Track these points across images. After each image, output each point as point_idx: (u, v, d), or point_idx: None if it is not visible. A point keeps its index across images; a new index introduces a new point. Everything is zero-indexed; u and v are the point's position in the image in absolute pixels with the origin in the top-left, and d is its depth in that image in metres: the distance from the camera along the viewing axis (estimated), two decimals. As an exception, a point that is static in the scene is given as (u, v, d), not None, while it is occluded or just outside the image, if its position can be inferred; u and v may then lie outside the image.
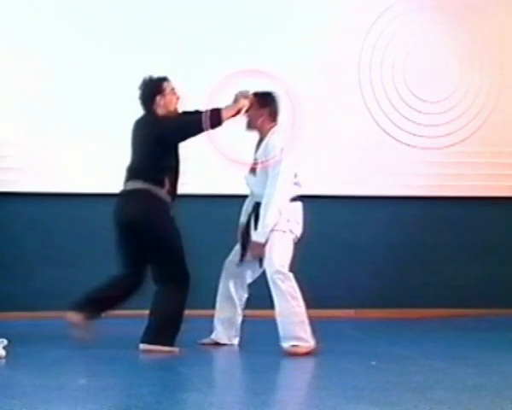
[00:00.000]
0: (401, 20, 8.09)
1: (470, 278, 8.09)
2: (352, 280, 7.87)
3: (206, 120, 5.84)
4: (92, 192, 7.56)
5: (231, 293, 6.16)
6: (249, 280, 6.20)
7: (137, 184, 5.93)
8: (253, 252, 5.94)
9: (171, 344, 5.83)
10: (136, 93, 7.58)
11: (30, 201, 7.52)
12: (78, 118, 7.57)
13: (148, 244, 5.93)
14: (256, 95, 6.04)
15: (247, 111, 6.02)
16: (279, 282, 5.78)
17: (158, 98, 6.00)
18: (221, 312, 6.21)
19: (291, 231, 5.92)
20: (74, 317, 5.94)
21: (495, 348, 6.27)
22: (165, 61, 7.59)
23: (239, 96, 6.00)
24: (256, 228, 5.93)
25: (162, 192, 5.90)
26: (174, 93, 6.04)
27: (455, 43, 8.16)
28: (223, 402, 4.42)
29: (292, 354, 5.73)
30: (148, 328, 5.88)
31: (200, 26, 7.74)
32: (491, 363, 5.65)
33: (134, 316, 7.07)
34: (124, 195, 6.03)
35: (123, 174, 7.58)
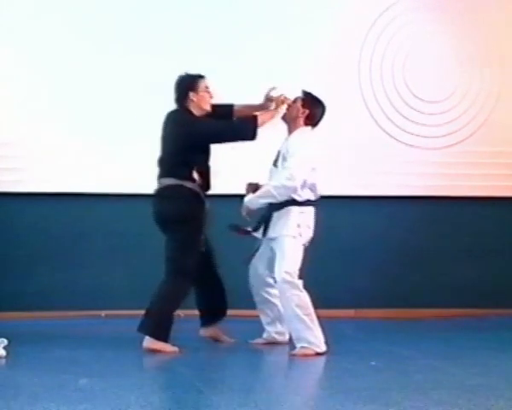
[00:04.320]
0: (401, 20, 8.09)
1: (470, 278, 8.09)
2: (352, 280, 7.87)
3: (240, 132, 5.95)
4: (92, 192, 7.56)
5: (263, 295, 6.17)
6: (268, 277, 6.17)
7: (169, 181, 5.96)
8: (243, 210, 5.97)
9: (155, 336, 5.82)
10: (137, 94, 7.63)
11: (30, 201, 7.52)
12: (78, 118, 7.57)
13: (168, 235, 5.97)
14: (305, 93, 6.05)
15: (288, 108, 6.03)
16: (285, 290, 5.81)
17: (191, 95, 6.01)
18: (262, 315, 6.23)
19: (300, 235, 5.92)
20: (206, 332, 6.24)
21: (495, 348, 6.27)
22: (164, 61, 7.61)
23: (277, 102, 6.04)
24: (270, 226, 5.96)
25: (194, 186, 5.95)
26: (208, 91, 6.06)
27: (455, 43, 8.16)
28: (223, 402, 4.42)
29: (300, 356, 5.74)
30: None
31: (199, 26, 7.73)
32: (491, 363, 5.65)
33: (134, 316, 7.08)
34: (157, 194, 6.06)
35: (122, 174, 7.62)
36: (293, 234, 5.88)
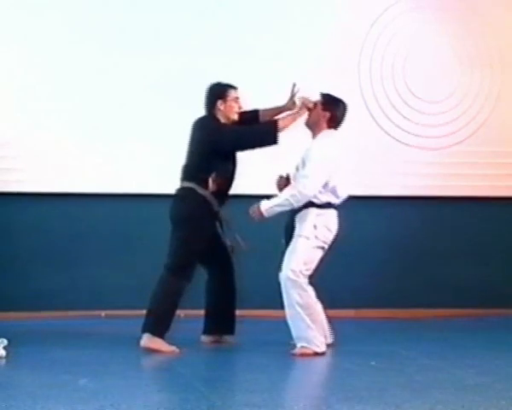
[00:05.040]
0: (401, 21, 8.09)
1: (470, 278, 8.09)
2: (352, 280, 7.86)
3: (261, 138, 5.98)
4: (92, 192, 7.56)
5: None
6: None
7: (183, 184, 6.05)
8: (252, 211, 5.90)
9: (155, 333, 5.84)
10: (137, 94, 7.63)
11: (29, 201, 7.52)
12: (78, 118, 7.57)
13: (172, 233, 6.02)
14: (324, 96, 6.03)
15: (309, 113, 6.01)
16: (287, 288, 5.80)
17: (219, 103, 6.06)
18: None
19: (316, 237, 5.89)
20: (207, 339, 6.23)
21: (495, 348, 6.27)
22: (165, 61, 7.61)
23: (300, 105, 6.05)
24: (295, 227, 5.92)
25: (205, 192, 5.97)
26: (237, 102, 6.11)
27: (455, 43, 8.16)
28: (223, 402, 4.42)
29: (299, 356, 5.74)
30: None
31: (199, 26, 7.72)
32: (491, 363, 5.65)
33: (134, 316, 7.08)
34: (175, 195, 6.13)
35: (122, 175, 7.62)
36: (306, 234, 5.86)
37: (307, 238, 5.86)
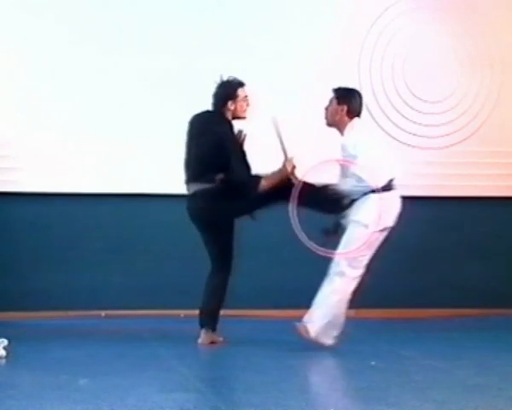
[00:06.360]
0: (401, 21, 8.09)
1: (470, 278, 8.09)
2: (352, 280, 7.85)
3: (246, 188, 6.04)
4: (92, 192, 7.56)
5: None
6: None
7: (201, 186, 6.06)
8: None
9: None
10: (136, 94, 7.62)
11: (29, 201, 7.52)
12: (78, 118, 7.57)
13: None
14: (337, 90, 6.02)
15: (326, 111, 6.00)
16: (332, 274, 5.84)
17: (229, 104, 6.12)
18: None
19: (366, 226, 5.84)
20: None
21: (495, 348, 6.27)
22: (165, 61, 7.62)
23: (283, 168, 6.07)
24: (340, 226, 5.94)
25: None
26: (246, 100, 6.16)
27: (455, 43, 8.16)
28: (223, 402, 4.42)
29: (297, 330, 5.79)
30: None
31: (199, 26, 7.73)
32: (491, 363, 5.64)
33: (134, 316, 7.09)
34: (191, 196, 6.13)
35: (122, 175, 7.62)
36: (359, 221, 5.84)
37: (358, 224, 5.84)
